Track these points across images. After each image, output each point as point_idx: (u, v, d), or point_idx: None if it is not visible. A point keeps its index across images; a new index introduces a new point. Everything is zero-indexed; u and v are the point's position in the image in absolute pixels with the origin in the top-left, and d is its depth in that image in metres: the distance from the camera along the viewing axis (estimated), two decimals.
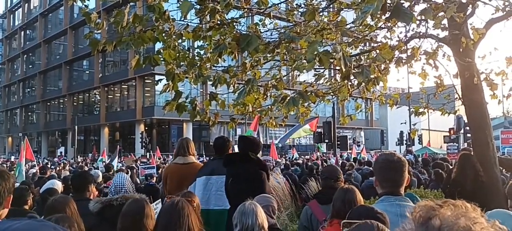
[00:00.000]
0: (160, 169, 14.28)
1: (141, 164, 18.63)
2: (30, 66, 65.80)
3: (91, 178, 5.07)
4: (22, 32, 66.97)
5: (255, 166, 4.69)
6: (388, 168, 2.73)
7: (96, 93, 52.42)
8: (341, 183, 4.26)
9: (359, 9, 5.87)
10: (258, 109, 6.69)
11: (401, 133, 41.05)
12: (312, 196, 5.77)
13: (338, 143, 26.05)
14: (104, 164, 17.41)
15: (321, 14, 5.87)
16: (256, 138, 5.02)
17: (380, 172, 2.80)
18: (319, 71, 6.38)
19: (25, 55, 66.56)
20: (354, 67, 4.19)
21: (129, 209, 3.09)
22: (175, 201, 2.92)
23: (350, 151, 28.97)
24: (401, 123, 38.30)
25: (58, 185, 6.87)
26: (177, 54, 5.31)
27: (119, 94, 50.14)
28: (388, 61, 5.42)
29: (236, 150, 5.30)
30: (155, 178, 11.95)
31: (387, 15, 3.08)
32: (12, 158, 35.18)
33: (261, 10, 5.60)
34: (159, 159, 25.89)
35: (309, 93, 5.66)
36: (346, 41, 6.65)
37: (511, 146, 18.73)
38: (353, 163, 14.60)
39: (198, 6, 4.82)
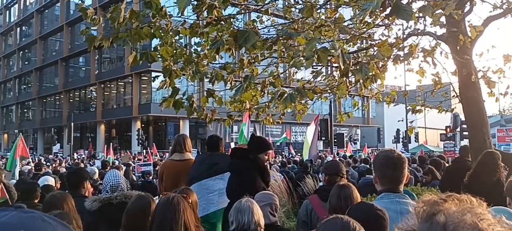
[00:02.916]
0: (157, 166, 14.26)
1: (137, 162, 18.59)
2: (26, 62, 65.52)
3: (87, 174, 5.08)
4: (18, 29, 66.61)
5: (248, 164, 4.70)
6: (388, 165, 2.72)
7: (92, 90, 52.23)
8: (344, 180, 4.22)
9: (357, 6, 5.86)
10: (255, 106, 6.67)
11: (398, 130, 41.17)
12: (313, 191, 5.73)
13: (335, 140, 26.08)
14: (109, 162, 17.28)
15: (318, 11, 5.85)
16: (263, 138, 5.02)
17: (380, 168, 2.79)
18: (317, 68, 6.36)
19: (21, 52, 66.23)
20: (352, 64, 4.18)
21: (134, 205, 3.06)
22: (170, 197, 2.90)
23: (345, 149, 29.05)
24: (398, 121, 38.42)
25: (51, 181, 6.90)
26: (174, 51, 5.28)
27: (115, 91, 49.98)
28: (386, 59, 5.40)
29: (231, 147, 5.30)
30: (152, 175, 11.93)
31: (386, 12, 3.07)
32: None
33: (259, 7, 5.57)
34: (156, 156, 25.87)
35: (307, 90, 5.64)
36: (343, 38, 6.64)
37: (507, 144, 18.78)
38: (350, 161, 14.62)
39: (195, 2, 4.79)
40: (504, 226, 0.93)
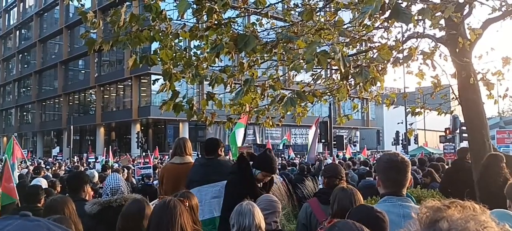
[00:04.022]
0: (157, 169, 14.27)
1: (136, 165, 18.57)
2: (25, 66, 65.50)
3: (87, 178, 5.09)
4: (17, 32, 66.61)
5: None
6: (391, 168, 2.72)
7: (92, 93, 52.25)
8: (343, 182, 4.22)
9: (357, 9, 5.87)
10: (255, 109, 6.67)
11: (397, 132, 41.16)
12: (313, 194, 5.72)
13: (334, 142, 26.06)
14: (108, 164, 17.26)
15: (318, 14, 5.85)
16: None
17: (383, 172, 2.78)
18: (316, 71, 6.36)
19: (20, 55, 66.23)
20: (352, 67, 4.18)
21: (129, 209, 3.07)
22: (167, 201, 2.91)
23: (345, 151, 29.04)
24: (398, 123, 38.45)
25: (44, 183, 6.93)
26: (174, 54, 5.28)
27: (115, 94, 49.99)
28: (386, 62, 5.41)
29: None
30: (152, 178, 11.92)
31: (386, 15, 3.08)
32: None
33: (258, 10, 5.58)
34: (156, 158, 25.85)
35: (307, 93, 5.64)
36: (342, 41, 6.64)
37: (507, 146, 18.79)
38: (351, 163, 14.63)
39: (195, 6, 4.79)
40: (503, 230, 0.93)
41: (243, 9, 5.63)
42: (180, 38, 5.38)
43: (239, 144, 13.54)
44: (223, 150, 5.46)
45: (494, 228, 0.92)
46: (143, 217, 2.98)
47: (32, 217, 0.99)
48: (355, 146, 47.68)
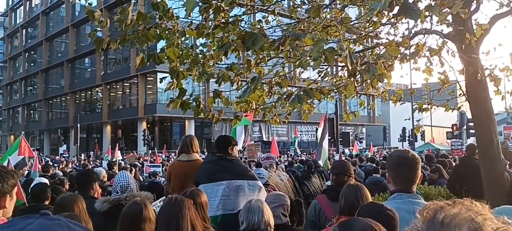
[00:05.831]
0: (164, 167, 14.31)
1: (144, 161, 18.64)
2: (32, 64, 65.91)
3: (96, 176, 5.12)
4: (24, 30, 67.01)
5: None
6: (402, 165, 2.72)
7: (98, 91, 52.49)
8: (352, 179, 4.23)
9: (363, 5, 5.85)
10: (262, 106, 6.67)
11: (404, 129, 41.00)
12: (321, 191, 5.73)
13: (341, 139, 26.03)
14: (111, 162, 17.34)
15: (324, 10, 5.83)
16: None
17: (393, 168, 2.79)
18: (323, 68, 6.35)
19: (27, 53, 66.63)
20: (360, 64, 4.17)
21: (127, 211, 3.09)
22: (174, 198, 2.93)
23: (352, 148, 29.00)
24: (405, 119, 38.31)
25: (45, 182, 6.98)
26: (181, 52, 5.29)
27: (121, 92, 50.19)
28: (393, 58, 5.39)
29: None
30: (158, 176, 11.96)
31: (394, 12, 3.07)
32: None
33: (265, 7, 5.58)
34: (165, 156, 25.93)
35: (314, 90, 5.63)
36: (349, 37, 6.62)
37: None
38: (357, 160, 14.61)
39: (202, 4, 4.79)
40: (503, 222, 0.99)
41: (250, 6, 5.62)
42: (187, 36, 5.39)
43: (239, 143, 13.55)
44: (235, 148, 5.40)
45: (488, 215, 0.99)
46: (140, 218, 2.97)
47: (52, 216, 1.01)
48: (361, 142, 47.57)
